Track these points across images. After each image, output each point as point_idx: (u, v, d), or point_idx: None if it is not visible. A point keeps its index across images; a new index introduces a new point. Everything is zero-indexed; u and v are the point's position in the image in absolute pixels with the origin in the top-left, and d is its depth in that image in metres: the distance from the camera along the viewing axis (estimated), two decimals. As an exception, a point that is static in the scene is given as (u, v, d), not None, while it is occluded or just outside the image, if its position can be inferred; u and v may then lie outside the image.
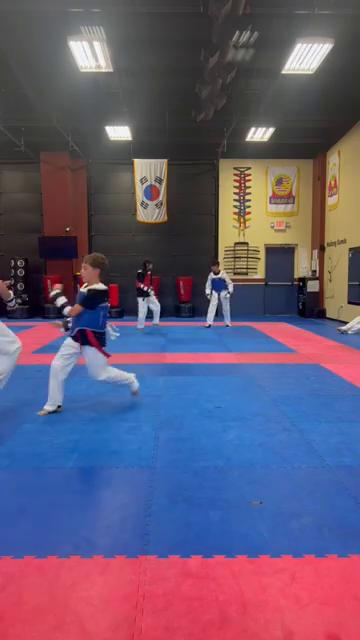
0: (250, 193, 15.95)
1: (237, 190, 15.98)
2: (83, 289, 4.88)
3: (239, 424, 4.58)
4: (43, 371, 6.94)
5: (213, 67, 8.79)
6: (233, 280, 13.57)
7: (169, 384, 6.19)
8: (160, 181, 14.99)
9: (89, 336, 4.81)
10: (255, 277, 16.19)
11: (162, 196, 15.04)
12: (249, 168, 15.87)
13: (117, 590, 2.20)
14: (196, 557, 2.43)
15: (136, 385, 5.35)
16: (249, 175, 15.93)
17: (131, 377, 5.31)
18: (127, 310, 15.79)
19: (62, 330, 4.97)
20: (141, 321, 11.92)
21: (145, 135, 13.92)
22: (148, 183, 15.04)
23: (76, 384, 6.16)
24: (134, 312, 15.65)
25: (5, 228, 15.85)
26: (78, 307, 4.80)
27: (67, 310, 4.78)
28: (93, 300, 4.83)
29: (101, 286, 4.87)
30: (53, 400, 4.89)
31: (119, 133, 13.46)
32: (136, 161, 14.92)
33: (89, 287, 4.82)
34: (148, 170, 14.98)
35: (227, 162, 15.76)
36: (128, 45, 9.25)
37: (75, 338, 4.86)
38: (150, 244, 16.01)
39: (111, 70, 9.02)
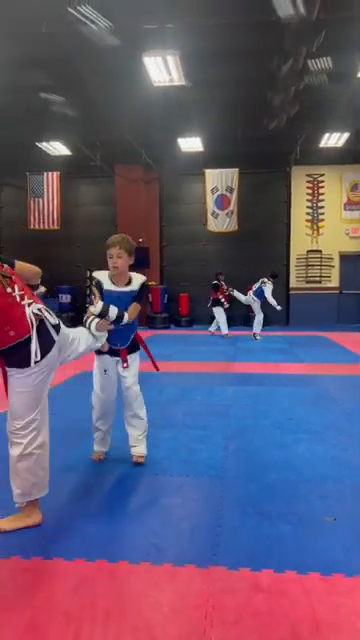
0: (323, 200, 15.59)
1: (310, 197, 15.67)
2: (125, 287, 3.75)
3: (311, 437, 4.45)
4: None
5: (285, 75, 8.70)
6: (305, 289, 13.25)
7: (239, 394, 6.14)
8: (231, 190, 14.99)
9: (138, 338, 3.93)
10: (329, 285, 15.75)
11: (233, 205, 15.03)
12: (322, 175, 15.52)
13: (186, 599, 2.19)
14: (267, 571, 2.39)
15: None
16: (322, 182, 15.58)
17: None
18: (196, 319, 15.86)
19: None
20: (224, 326, 12.28)
21: (216, 145, 13.99)
22: (219, 193, 15.08)
23: (147, 390, 6.25)
24: (203, 322, 15.72)
25: (82, 240, 16.43)
26: (137, 306, 3.75)
27: (127, 316, 3.65)
28: (145, 295, 4.25)
29: (143, 277, 3.92)
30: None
31: (190, 144, 13.63)
32: (207, 171, 15.01)
33: (140, 281, 3.81)
34: (219, 180, 15.03)
35: (300, 169, 15.51)
36: (199, 57, 9.35)
37: (114, 352, 3.80)
38: (220, 253, 16.01)
39: (183, 83, 9.16)
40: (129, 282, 3.75)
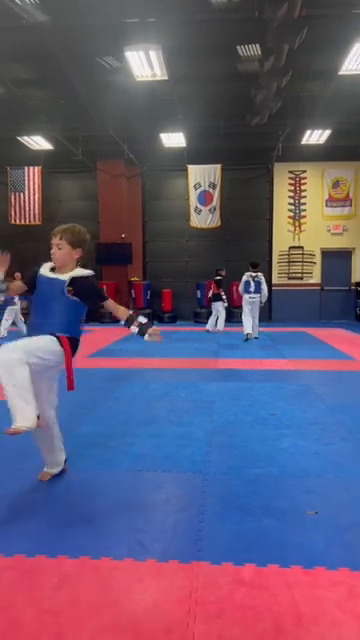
0: (305, 197, 15.69)
1: (292, 194, 15.77)
2: (62, 274, 3.19)
3: (294, 432, 4.49)
4: (97, 374, 7.10)
5: (268, 71, 8.73)
6: (287, 285, 13.31)
7: (222, 390, 6.16)
8: (214, 186, 15.01)
9: (64, 344, 3.14)
10: (310, 282, 15.89)
11: (216, 201, 15.05)
12: (304, 171, 15.62)
13: (170, 595, 2.20)
14: (249, 565, 2.40)
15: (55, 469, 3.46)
16: (304, 178, 15.68)
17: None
18: (180, 315, 15.87)
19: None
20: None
21: (199, 141, 13.99)
22: (202, 189, 15.09)
23: (131, 387, 6.24)
24: (186, 318, 15.75)
25: (63, 235, 16.28)
26: (111, 301, 3.42)
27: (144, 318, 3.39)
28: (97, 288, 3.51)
29: (86, 271, 3.30)
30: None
31: (173, 140, 13.60)
32: (190, 167, 15.01)
33: (74, 274, 3.19)
34: (202, 176, 15.04)
35: (282, 166, 15.59)
36: (182, 52, 9.34)
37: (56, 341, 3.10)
38: (203, 249, 16.04)
39: (166, 78, 9.13)
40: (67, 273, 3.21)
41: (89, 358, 8.69)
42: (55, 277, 3.17)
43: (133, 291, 15.35)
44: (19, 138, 13.38)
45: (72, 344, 3.18)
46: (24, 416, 2.76)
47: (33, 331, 3.13)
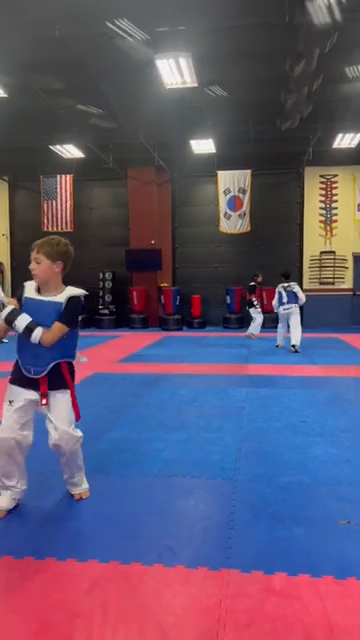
0: (337, 201, 15.49)
1: (323, 198, 15.59)
2: (52, 297, 3.00)
3: (325, 439, 4.43)
4: (128, 379, 7.14)
5: (298, 76, 8.68)
6: (319, 290, 13.15)
7: (252, 396, 6.12)
8: (244, 192, 14.97)
9: (64, 372, 3.04)
10: (342, 287, 15.65)
11: (245, 206, 15.01)
12: (336, 175, 15.44)
13: (199, 602, 2.19)
14: (280, 574, 2.37)
15: (83, 488, 3.27)
16: (335, 182, 15.49)
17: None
18: (209, 321, 15.85)
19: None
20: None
21: (229, 147, 13.99)
22: (231, 194, 15.07)
23: (160, 392, 6.26)
24: (216, 323, 15.71)
25: (95, 242, 16.50)
26: (60, 327, 2.95)
27: (38, 333, 2.88)
28: (77, 314, 3.16)
29: (79, 290, 3.10)
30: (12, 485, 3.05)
31: (203, 146, 13.64)
32: (219, 173, 15.01)
33: (69, 294, 3.03)
34: (232, 181, 15.02)
35: (313, 170, 15.44)
36: (212, 59, 9.36)
37: (33, 382, 2.98)
38: (233, 255, 16.00)
39: (196, 85, 9.17)
40: (60, 294, 3.01)
41: (119, 363, 8.76)
42: (48, 300, 2.97)
43: (162, 297, 15.40)
44: (51, 147, 13.63)
45: (70, 369, 3.11)
46: None
47: (29, 360, 2.96)
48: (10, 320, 2.89)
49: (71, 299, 3.00)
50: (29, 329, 2.87)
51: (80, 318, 3.26)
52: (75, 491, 3.23)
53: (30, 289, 3.02)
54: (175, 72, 8.59)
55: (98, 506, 3.14)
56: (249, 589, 2.27)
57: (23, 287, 3.07)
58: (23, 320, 2.88)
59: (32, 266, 2.98)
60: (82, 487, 3.25)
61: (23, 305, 2.98)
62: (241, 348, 10.65)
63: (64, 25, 7.57)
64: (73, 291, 3.04)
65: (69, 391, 3.06)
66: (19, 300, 3.01)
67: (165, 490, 3.40)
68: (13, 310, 2.91)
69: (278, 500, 3.18)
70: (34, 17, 7.53)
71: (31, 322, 2.88)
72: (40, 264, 2.95)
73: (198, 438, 4.47)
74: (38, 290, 3.03)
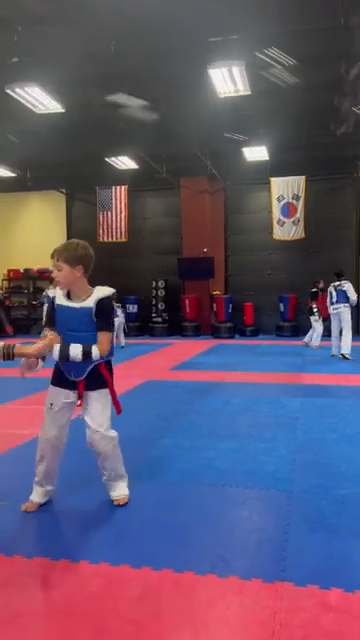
0: (395, 205, 15.03)
1: (380, 203, 15.16)
2: (82, 302, 3.01)
3: (384, 452, 4.27)
4: (180, 387, 7.16)
5: (354, 79, 8.51)
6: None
7: (307, 406, 6.00)
8: (297, 198, 14.77)
9: (103, 371, 3.08)
10: None
11: (299, 213, 14.80)
12: (394, 179, 14.99)
13: (253, 614, 2.15)
14: (336, 590, 2.30)
15: (122, 494, 3.25)
16: (394, 186, 15.04)
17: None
18: (262, 329, 15.69)
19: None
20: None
21: (282, 153, 13.87)
22: (285, 201, 14.90)
23: (212, 401, 6.24)
24: (269, 331, 15.52)
25: (148, 251, 16.74)
26: (106, 335, 3.02)
27: (96, 352, 2.96)
28: (112, 315, 3.22)
29: (107, 290, 3.09)
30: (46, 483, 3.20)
31: (256, 153, 13.60)
32: (273, 180, 14.89)
33: (97, 297, 3.00)
34: (285, 188, 14.86)
35: (369, 174, 15.06)
36: (265, 66, 9.33)
37: (72, 383, 3.05)
38: (286, 262, 15.80)
39: (249, 92, 9.16)
40: (88, 297, 3.02)
41: (171, 371, 8.81)
42: (79, 306, 3.00)
43: (215, 305, 15.39)
44: (107, 159, 13.96)
45: (109, 368, 3.15)
46: None
47: (69, 365, 3.00)
48: (66, 356, 2.92)
49: (100, 302, 3.00)
50: (86, 353, 2.93)
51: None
52: (113, 495, 3.23)
53: (60, 296, 3.05)
54: (228, 81, 8.61)
55: (151, 513, 3.15)
56: (304, 603, 2.21)
57: (47, 294, 3.15)
58: (76, 349, 2.92)
59: (54, 274, 3.02)
60: (120, 492, 3.24)
61: (55, 312, 3.04)
62: (295, 357, 10.47)
63: (119, 40, 7.76)
64: (101, 292, 3.04)
65: (106, 390, 3.10)
66: (52, 307, 3.05)
67: (218, 499, 3.38)
68: (62, 345, 2.92)
69: (334, 513, 3.10)
70: (90, 34, 7.77)
71: (84, 347, 2.93)
72: (61, 271, 2.97)
73: (251, 448, 4.42)
74: (68, 295, 3.06)
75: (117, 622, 2.11)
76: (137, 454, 4.18)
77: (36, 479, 3.18)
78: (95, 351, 2.95)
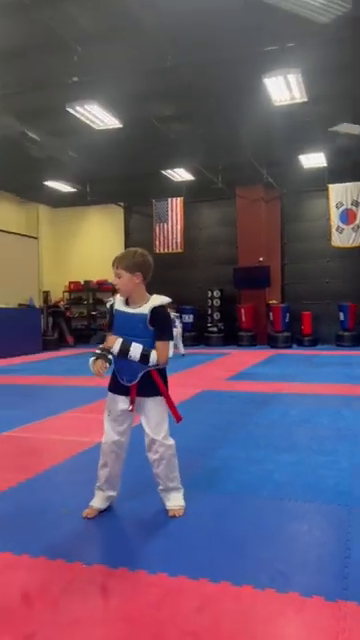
0: None
1: None
2: (138, 308, 3.07)
3: None
4: (236, 397, 7.10)
5: None
6: None
7: (369, 418, 5.79)
8: (357, 204, 14.43)
9: (156, 378, 3.11)
10: None
11: (359, 219, 14.43)
12: None
13: (315, 633, 2.09)
14: None
15: (177, 504, 3.24)
16: None
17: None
18: (321, 339, 15.34)
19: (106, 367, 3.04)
20: None
21: (340, 159, 13.59)
22: (344, 207, 14.58)
23: (270, 412, 6.15)
24: (328, 341, 15.15)
25: (203, 261, 16.80)
26: (164, 344, 3.10)
27: (154, 357, 3.03)
28: (169, 323, 3.27)
29: (163, 299, 3.13)
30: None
31: (313, 160, 13.40)
32: (331, 186, 14.61)
33: (152, 304, 3.06)
34: (344, 194, 14.55)
35: None
36: (322, 72, 9.20)
37: (126, 389, 3.12)
38: (345, 269, 15.43)
39: (305, 100, 9.06)
40: (145, 304, 3.09)
41: (227, 381, 8.75)
42: (135, 312, 3.07)
43: (271, 314, 15.21)
44: (163, 172, 14.16)
45: (162, 375, 3.16)
46: None
47: (122, 369, 3.10)
48: (125, 351, 2.99)
49: (155, 310, 3.05)
50: (145, 355, 3.00)
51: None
52: (169, 505, 3.22)
53: (119, 302, 3.15)
54: (284, 89, 8.56)
55: (208, 524, 3.13)
56: (369, 625, 2.12)
57: (110, 300, 3.22)
58: (137, 348, 2.99)
59: (114, 281, 3.11)
60: (176, 503, 3.22)
61: (114, 317, 3.14)
62: (357, 368, 10.16)
63: (175, 55, 7.88)
64: (157, 300, 3.09)
65: (160, 397, 3.12)
66: (111, 312, 3.16)
67: (277, 513, 3.31)
68: (124, 341, 3.00)
69: None
70: (146, 50, 7.94)
71: (144, 349, 3.00)
72: (121, 278, 3.05)
73: (310, 461, 4.31)
74: (126, 302, 3.14)
75: (175, 633, 2.10)
76: (194, 464, 4.17)
77: (98, 484, 3.24)
78: (153, 356, 3.02)
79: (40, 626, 2.13)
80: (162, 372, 3.18)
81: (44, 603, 2.30)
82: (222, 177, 14.78)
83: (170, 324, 3.27)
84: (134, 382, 3.07)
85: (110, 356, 3.05)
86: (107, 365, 3.03)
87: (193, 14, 7.07)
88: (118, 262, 3.06)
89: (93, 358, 3.03)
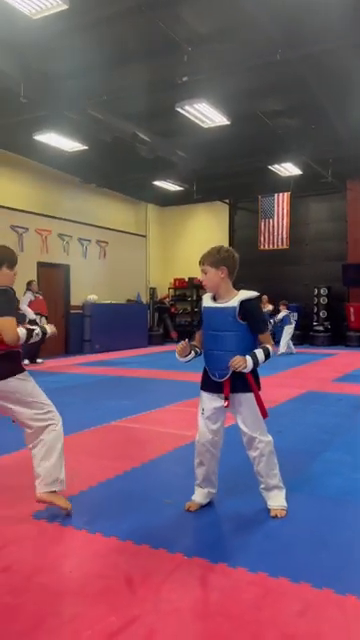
0: None
1: None
2: (226, 303, 3.09)
3: None
4: (344, 400, 6.83)
5: None
6: None
7: None
8: None
9: (247, 374, 3.06)
10: None
11: None
12: None
13: None
14: None
15: (279, 505, 3.21)
16: None
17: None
18: None
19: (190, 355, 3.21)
20: None
21: None
22: None
23: (348, 416, 5.85)
24: None
25: (310, 257, 16.33)
26: (267, 336, 3.18)
27: (270, 350, 3.11)
28: (262, 316, 3.37)
29: (251, 293, 3.11)
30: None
31: None
32: None
33: (241, 298, 3.06)
34: None
35: None
36: None
37: (218, 386, 3.12)
38: None
39: None
40: (232, 299, 3.10)
41: (334, 382, 8.46)
42: (223, 306, 3.08)
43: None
44: (270, 167, 13.94)
45: (254, 373, 3.11)
46: None
47: (214, 365, 3.12)
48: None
49: (244, 303, 3.05)
50: (266, 355, 3.07)
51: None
52: (270, 505, 3.20)
53: (207, 299, 3.21)
54: None
55: (311, 527, 3.06)
56: None
57: (201, 300, 3.29)
58: (259, 353, 3.03)
59: (201, 277, 3.17)
60: (277, 503, 3.19)
61: (202, 314, 3.21)
62: None
63: (285, 48, 7.71)
64: (245, 295, 3.08)
65: (252, 394, 3.08)
66: (200, 310, 3.24)
67: (384, 522, 3.15)
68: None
69: None
70: (256, 46, 7.84)
71: (262, 349, 3.06)
72: (207, 274, 3.11)
73: None
74: (214, 298, 3.18)
75: (274, 634, 2.09)
76: (298, 466, 4.09)
77: (196, 482, 3.30)
78: (270, 348, 3.11)
79: (143, 611, 2.21)
80: (254, 371, 3.13)
81: (147, 589, 2.38)
82: (332, 171, 14.24)
83: (263, 316, 3.33)
84: (226, 377, 3.06)
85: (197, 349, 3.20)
86: (190, 351, 3.16)
87: (304, 5, 6.87)
88: (204, 259, 3.13)
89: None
